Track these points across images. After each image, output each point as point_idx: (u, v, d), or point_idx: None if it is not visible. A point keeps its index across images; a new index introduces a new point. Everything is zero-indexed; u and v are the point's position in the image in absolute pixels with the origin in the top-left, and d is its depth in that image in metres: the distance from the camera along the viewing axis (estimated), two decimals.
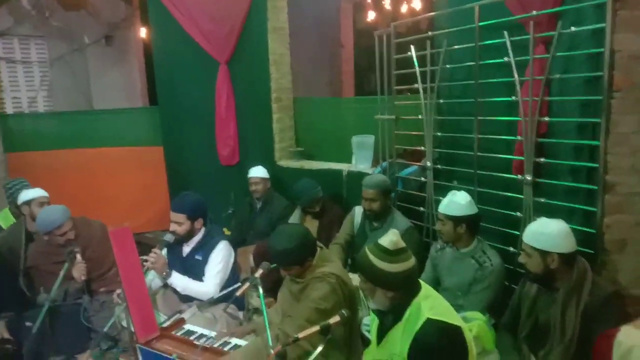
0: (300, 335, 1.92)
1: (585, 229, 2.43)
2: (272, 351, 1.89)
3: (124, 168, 5.00)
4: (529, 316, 2.31)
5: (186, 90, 4.87)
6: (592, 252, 2.40)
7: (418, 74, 3.25)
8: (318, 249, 2.52)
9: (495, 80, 2.81)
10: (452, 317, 1.83)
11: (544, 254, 2.13)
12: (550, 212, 2.52)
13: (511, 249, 2.81)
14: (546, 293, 2.24)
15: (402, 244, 1.85)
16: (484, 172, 2.94)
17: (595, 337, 1.88)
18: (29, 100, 5.93)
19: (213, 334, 2.62)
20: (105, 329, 2.77)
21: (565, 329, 2.10)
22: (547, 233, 2.13)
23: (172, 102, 4.99)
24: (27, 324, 2.92)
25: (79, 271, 3.14)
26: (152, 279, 3.19)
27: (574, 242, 2.15)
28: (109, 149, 5.03)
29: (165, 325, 2.77)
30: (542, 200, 2.61)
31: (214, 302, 3.01)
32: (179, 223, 3.05)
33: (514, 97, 2.66)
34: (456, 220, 2.64)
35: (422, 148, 3.33)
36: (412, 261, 1.85)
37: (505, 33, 2.64)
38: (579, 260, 2.16)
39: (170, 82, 4.97)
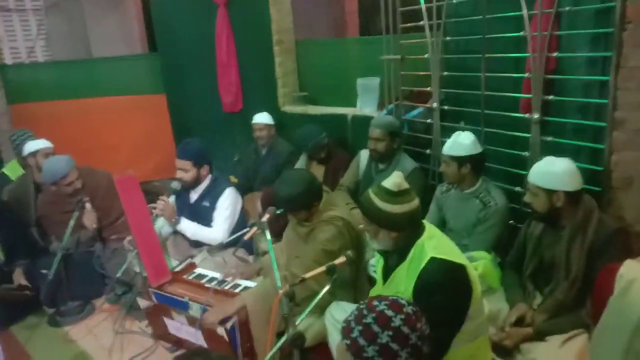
0: (307, 275, 1.96)
1: (593, 167, 2.41)
2: (280, 291, 1.93)
3: (127, 117, 4.96)
4: (534, 254, 2.33)
5: (185, 35, 4.75)
6: (599, 189, 2.39)
7: (424, 10, 3.14)
8: (324, 193, 2.53)
9: (503, 15, 2.70)
10: (456, 256, 1.85)
11: (549, 192, 2.13)
12: (558, 151, 2.50)
13: (518, 188, 2.79)
14: (551, 231, 2.25)
15: (406, 186, 1.85)
16: (491, 112, 2.88)
17: (599, 272, 1.91)
18: (27, 50, 5.82)
19: (224, 276, 2.69)
20: (118, 275, 2.85)
21: (570, 266, 2.13)
22: (552, 172, 2.12)
23: (172, 48, 4.88)
24: (43, 271, 3.01)
25: (90, 219, 3.20)
26: (162, 226, 3.24)
27: (580, 180, 2.13)
28: (111, 98, 4.98)
29: (176, 270, 2.84)
30: (550, 139, 2.57)
31: (223, 246, 3.08)
32: (185, 170, 3.07)
33: (522, 33, 2.57)
34: (460, 160, 2.62)
35: (429, 89, 3.26)
36: (415, 202, 1.85)
37: None
38: (585, 199, 2.16)
39: (169, 28, 4.85)
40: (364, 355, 1.32)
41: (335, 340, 2.17)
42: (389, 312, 1.34)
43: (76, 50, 5.93)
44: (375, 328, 1.32)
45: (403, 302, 1.39)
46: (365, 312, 1.37)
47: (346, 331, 1.38)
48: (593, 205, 2.15)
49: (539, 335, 2.09)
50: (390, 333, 1.31)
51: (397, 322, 1.33)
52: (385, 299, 1.40)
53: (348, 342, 1.35)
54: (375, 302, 1.38)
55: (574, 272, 2.10)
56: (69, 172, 3.20)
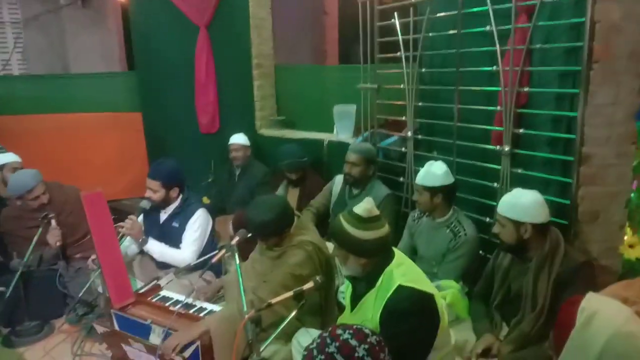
0: (273, 301, 1.92)
1: (560, 200, 2.46)
2: (246, 316, 1.89)
3: (102, 134, 4.88)
4: (502, 285, 2.34)
5: (165, 55, 4.74)
6: (566, 222, 2.43)
7: (401, 41, 3.21)
8: (295, 217, 2.51)
9: (477, 49, 2.78)
10: (424, 284, 1.84)
11: (517, 224, 2.15)
12: (527, 183, 2.54)
13: (487, 219, 2.83)
14: (519, 263, 2.26)
15: (376, 212, 1.85)
16: (463, 143, 2.94)
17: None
18: (2, 63, 5.73)
19: (189, 300, 2.62)
20: (80, 295, 2.76)
21: (536, 297, 2.14)
22: (520, 203, 2.14)
23: (151, 67, 4.85)
24: (0, 288, 2.88)
25: (54, 237, 3.10)
26: (129, 246, 3.17)
27: (548, 212, 2.17)
28: (86, 115, 4.90)
29: (141, 291, 2.76)
30: (520, 171, 2.62)
31: (191, 269, 3.01)
32: (153, 190, 3.02)
33: (495, 67, 2.64)
34: (433, 190, 2.65)
35: (404, 118, 3.31)
36: (385, 229, 1.85)
37: (488, 1, 2.61)
38: (552, 231, 2.18)
39: (148, 46, 4.83)
40: None
41: None
42: (353, 342, 1.32)
43: (53, 65, 5.86)
44: (339, 358, 1.30)
45: (367, 331, 1.38)
46: (328, 340, 1.34)
47: (308, 358, 1.34)
48: (560, 237, 2.18)
49: None
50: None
51: (360, 352, 1.31)
52: (350, 327, 1.37)
53: None
54: (339, 331, 1.36)
55: (540, 304, 2.11)
56: (36, 187, 3.11)
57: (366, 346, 1.32)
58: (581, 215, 2.39)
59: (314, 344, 1.37)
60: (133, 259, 3.16)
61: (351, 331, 1.35)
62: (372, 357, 1.31)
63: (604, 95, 2.24)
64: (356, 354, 1.30)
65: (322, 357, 1.31)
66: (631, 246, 2.43)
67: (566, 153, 2.46)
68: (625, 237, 2.44)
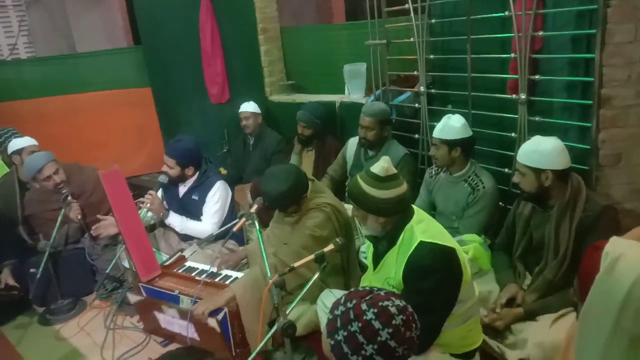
0: (296, 264, 1.94)
1: (580, 145, 2.40)
2: (270, 281, 1.92)
3: (114, 112, 4.89)
4: (524, 235, 2.32)
5: (169, 27, 4.67)
6: (587, 168, 2.38)
7: None
8: (310, 182, 2.51)
9: None
10: (445, 239, 1.84)
11: (537, 171, 2.11)
12: (545, 131, 2.48)
13: (506, 170, 2.79)
14: (540, 211, 2.24)
15: (393, 170, 1.83)
16: (478, 94, 2.87)
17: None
18: (9, 47, 5.73)
19: (214, 269, 2.67)
20: (108, 270, 2.83)
21: (559, 245, 2.12)
22: (540, 151, 2.10)
23: (156, 41, 4.80)
24: (31, 270, 2.98)
25: (74, 211, 3.17)
26: (151, 216, 3.22)
27: (568, 158, 2.12)
28: (96, 93, 4.91)
29: (166, 264, 2.82)
30: (537, 118, 2.56)
31: (213, 239, 3.05)
32: (169, 167, 3.05)
33: (507, 13, 2.55)
34: (451, 144, 2.60)
35: (415, 73, 3.23)
36: (403, 187, 1.83)
37: None
38: (573, 177, 2.14)
39: (152, 20, 4.76)
40: None
41: None
42: (376, 324, 1.24)
43: (59, 46, 5.83)
44: (361, 339, 1.24)
45: (393, 310, 1.26)
46: (352, 316, 1.26)
47: (331, 327, 1.30)
48: (581, 183, 2.14)
49: (530, 315, 2.10)
50: (376, 347, 1.23)
51: (383, 336, 1.23)
52: (375, 304, 1.27)
53: (332, 342, 1.28)
54: (364, 307, 1.26)
55: (562, 251, 2.10)
56: (45, 166, 3.14)
57: (390, 330, 1.23)
58: (602, 160, 2.34)
59: (339, 311, 1.30)
60: (154, 233, 3.22)
61: (376, 311, 1.25)
62: (396, 340, 1.23)
63: (623, 34, 2.15)
64: (379, 338, 1.23)
65: (345, 334, 1.25)
66: None
67: (584, 97, 2.38)
68: None
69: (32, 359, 2.66)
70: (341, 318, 1.28)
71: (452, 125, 2.61)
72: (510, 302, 2.17)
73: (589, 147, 2.36)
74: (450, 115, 2.67)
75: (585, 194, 2.11)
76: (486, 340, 2.09)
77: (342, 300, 1.33)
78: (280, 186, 2.39)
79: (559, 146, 2.11)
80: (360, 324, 1.25)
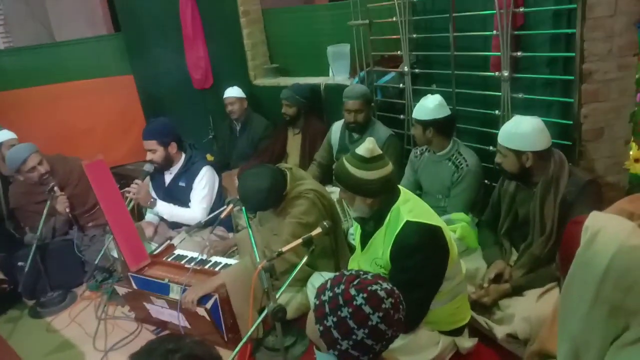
0: (284, 249, 1.95)
1: (562, 121, 2.42)
2: (259, 266, 1.92)
3: (96, 101, 4.80)
4: (509, 212, 2.35)
5: (149, 12, 4.58)
6: (570, 143, 2.40)
7: None
8: (287, 171, 2.49)
9: None
10: (431, 218, 1.86)
11: (518, 153, 2.12)
12: (529, 108, 2.50)
13: (491, 147, 2.80)
14: (524, 189, 2.26)
15: (378, 151, 1.83)
16: (462, 72, 2.87)
17: None
18: None
19: (203, 256, 2.67)
20: (97, 261, 2.82)
21: (544, 221, 2.15)
22: (520, 132, 2.10)
23: (136, 27, 4.70)
24: (19, 263, 2.96)
25: (62, 203, 3.14)
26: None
27: (549, 137, 2.12)
28: (77, 83, 4.79)
29: (155, 252, 2.82)
30: (520, 95, 2.57)
31: (202, 226, 3.05)
32: (152, 150, 3.02)
33: None
34: (424, 124, 2.61)
35: (399, 53, 3.22)
36: (389, 167, 1.84)
37: None
38: (555, 153, 2.15)
39: (131, 5, 4.66)
40: (337, 347, 1.27)
41: None
42: (367, 309, 1.25)
43: (37, 35, 5.71)
44: (351, 324, 1.24)
45: (382, 294, 1.27)
46: (341, 301, 1.26)
47: (319, 313, 1.29)
48: (563, 159, 2.15)
49: (517, 291, 2.13)
50: (367, 331, 1.24)
51: (374, 320, 1.24)
52: (363, 289, 1.27)
53: (321, 328, 1.28)
54: (353, 292, 1.26)
55: (548, 227, 2.12)
56: (29, 157, 3.10)
57: (380, 314, 1.25)
58: (585, 134, 2.36)
59: (326, 297, 1.30)
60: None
61: (365, 295, 1.25)
62: (386, 323, 1.25)
63: (603, 7, 2.15)
64: (370, 322, 1.24)
65: (335, 319, 1.26)
66: (637, 161, 2.41)
67: (566, 72, 2.39)
68: (631, 152, 2.41)
69: (25, 352, 2.65)
70: (329, 304, 1.28)
71: (426, 106, 2.62)
72: (498, 278, 2.19)
73: (571, 122, 2.38)
74: (428, 95, 2.66)
75: (567, 170, 2.13)
76: (474, 316, 2.13)
77: (328, 286, 1.33)
78: (259, 194, 2.35)
79: (537, 127, 2.10)
80: (350, 309, 1.25)
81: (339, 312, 1.26)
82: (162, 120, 3.14)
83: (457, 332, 2.03)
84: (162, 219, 3.18)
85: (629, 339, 1.12)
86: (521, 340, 2.00)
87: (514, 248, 2.36)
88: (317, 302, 1.32)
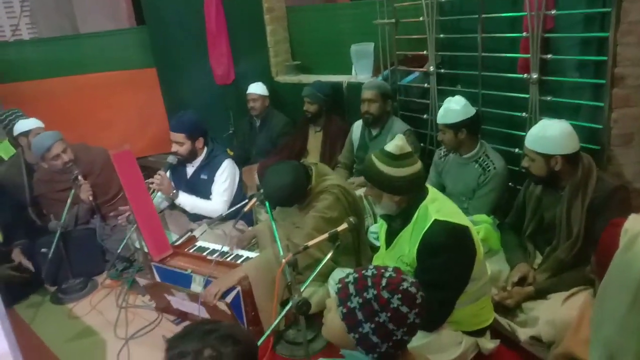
0: (310, 243, 1.96)
1: (592, 125, 2.40)
2: (283, 260, 1.93)
3: (118, 93, 4.86)
4: (534, 215, 2.33)
5: (174, 6, 4.62)
6: (598, 148, 2.38)
7: None
8: (312, 167, 2.50)
9: None
10: (459, 217, 1.85)
11: (546, 157, 2.10)
12: (557, 111, 2.49)
13: (517, 150, 2.78)
14: (551, 192, 2.23)
15: (408, 149, 1.84)
16: (489, 74, 2.85)
17: (600, 230, 1.91)
18: (11, 28, 5.67)
19: (225, 248, 2.69)
20: (119, 251, 2.85)
21: (571, 225, 2.12)
22: (548, 136, 2.08)
23: (161, 21, 4.74)
24: (43, 250, 2.99)
25: (86, 192, 3.18)
26: (160, 202, 3.23)
27: (577, 141, 2.10)
28: (101, 74, 4.87)
29: (177, 244, 2.84)
30: (549, 98, 2.55)
31: (223, 219, 3.06)
32: (179, 143, 3.03)
33: None
34: (455, 127, 2.60)
35: (425, 52, 3.21)
36: (417, 165, 1.84)
37: None
38: (583, 158, 2.13)
39: None
40: (359, 330, 1.25)
41: None
42: (385, 294, 1.24)
43: (62, 27, 5.77)
44: (375, 306, 1.23)
45: (405, 279, 1.28)
46: (369, 283, 1.26)
47: (343, 294, 1.28)
48: (592, 164, 2.13)
49: (541, 294, 2.11)
50: (389, 314, 1.22)
51: (395, 302, 1.24)
52: (392, 284, 1.25)
53: (344, 310, 1.26)
54: (387, 295, 1.24)
55: (575, 232, 2.10)
56: (53, 145, 3.14)
57: (399, 295, 1.24)
58: (614, 139, 2.33)
59: (351, 279, 1.30)
60: (164, 214, 3.22)
61: (399, 295, 1.25)
62: (407, 305, 1.24)
63: (638, 12, 2.13)
64: (391, 305, 1.23)
65: (360, 300, 1.25)
66: None
67: (596, 76, 2.37)
68: None
69: (47, 336, 2.69)
70: (355, 285, 1.27)
71: (453, 109, 2.60)
72: (522, 281, 2.18)
73: (601, 126, 2.36)
74: (450, 98, 2.65)
75: (595, 175, 2.11)
76: (497, 318, 2.12)
77: (351, 273, 1.32)
78: (282, 191, 2.37)
79: (566, 130, 2.08)
80: (375, 292, 1.24)
81: (364, 294, 1.25)
82: (191, 114, 3.16)
83: (479, 333, 2.02)
84: (183, 210, 3.20)
85: None
86: (544, 343, 1.98)
87: (538, 251, 2.34)
88: (340, 285, 1.30)
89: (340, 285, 1.31)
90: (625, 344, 1.16)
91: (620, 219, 1.26)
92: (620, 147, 2.34)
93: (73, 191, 3.06)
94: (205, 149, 3.16)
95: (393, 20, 3.34)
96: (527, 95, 2.62)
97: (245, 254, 2.64)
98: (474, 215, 2.60)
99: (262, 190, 2.46)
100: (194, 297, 2.36)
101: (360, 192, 2.86)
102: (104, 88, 4.86)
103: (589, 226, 2.07)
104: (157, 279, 2.66)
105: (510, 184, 2.74)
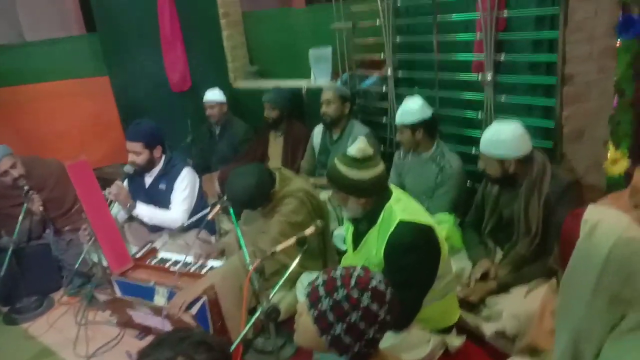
0: (278, 248, 1.93)
1: (545, 123, 2.48)
2: (250, 267, 1.90)
3: (70, 102, 4.69)
4: (493, 213, 2.39)
5: (126, 13, 4.50)
6: (551, 145, 2.46)
7: None
8: (276, 172, 2.49)
9: None
10: (423, 217, 1.88)
11: (500, 160, 2.15)
12: (511, 110, 2.56)
13: (474, 150, 2.84)
14: (508, 190, 2.29)
15: (370, 152, 1.85)
16: (445, 75, 2.91)
17: (557, 224, 1.97)
18: None
19: (189, 258, 2.62)
20: (76, 266, 2.74)
21: (529, 221, 2.19)
22: (501, 140, 2.12)
23: (113, 27, 4.62)
24: None
25: (36, 203, 3.05)
26: (117, 212, 3.12)
27: (529, 142, 2.15)
28: (51, 84, 4.68)
29: (138, 256, 2.75)
30: (503, 98, 2.63)
31: (184, 229, 3.00)
32: (136, 152, 2.95)
33: None
34: (412, 126, 2.64)
35: (382, 56, 3.25)
36: (380, 167, 1.86)
37: None
38: (537, 156, 2.19)
39: (108, 5, 4.58)
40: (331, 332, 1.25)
41: None
42: (355, 293, 1.26)
43: (7, 35, 5.54)
44: (346, 306, 1.24)
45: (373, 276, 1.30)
46: (338, 283, 1.27)
47: (313, 297, 1.28)
48: (546, 161, 2.19)
49: (503, 288, 2.16)
50: (360, 313, 1.23)
51: (365, 301, 1.25)
52: (365, 287, 1.26)
53: (315, 313, 1.26)
54: (357, 294, 1.25)
55: (534, 228, 2.16)
56: (1, 161, 3.00)
57: (369, 293, 1.26)
58: (567, 136, 2.43)
59: (321, 282, 1.30)
60: (122, 226, 3.13)
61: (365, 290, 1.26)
62: (377, 302, 1.25)
63: (583, 10, 2.22)
64: (361, 304, 1.24)
65: (330, 302, 1.25)
66: (614, 162, 2.49)
67: (548, 75, 2.46)
68: (609, 154, 2.49)
69: (1, 359, 2.55)
70: (325, 287, 1.27)
71: (410, 108, 2.65)
72: (484, 277, 2.23)
73: (553, 124, 2.44)
74: (408, 98, 2.70)
75: (550, 171, 2.17)
76: (462, 315, 2.15)
77: (319, 275, 1.33)
78: (245, 193, 2.34)
79: (518, 133, 2.13)
80: (345, 292, 1.24)
81: (335, 294, 1.25)
82: (148, 123, 3.06)
83: (446, 331, 2.05)
84: (142, 222, 3.11)
85: (626, 327, 1.16)
86: (509, 336, 2.03)
87: (499, 247, 2.40)
88: (309, 289, 1.31)
89: (310, 289, 1.30)
90: (590, 328, 1.20)
91: (579, 209, 1.30)
92: (572, 143, 2.44)
93: (25, 206, 2.92)
94: (163, 157, 3.08)
95: (350, 24, 3.37)
96: (481, 95, 2.69)
97: (210, 263, 2.59)
98: (434, 214, 2.64)
99: (225, 197, 2.42)
100: (157, 311, 2.28)
101: (324, 195, 2.86)
102: (55, 98, 4.69)
103: (546, 221, 2.14)
104: (118, 293, 2.56)
105: (468, 183, 2.80)
